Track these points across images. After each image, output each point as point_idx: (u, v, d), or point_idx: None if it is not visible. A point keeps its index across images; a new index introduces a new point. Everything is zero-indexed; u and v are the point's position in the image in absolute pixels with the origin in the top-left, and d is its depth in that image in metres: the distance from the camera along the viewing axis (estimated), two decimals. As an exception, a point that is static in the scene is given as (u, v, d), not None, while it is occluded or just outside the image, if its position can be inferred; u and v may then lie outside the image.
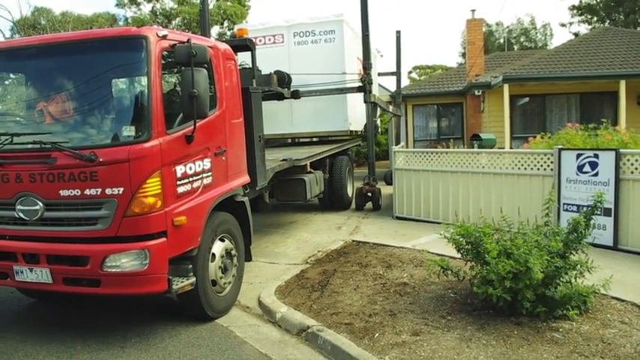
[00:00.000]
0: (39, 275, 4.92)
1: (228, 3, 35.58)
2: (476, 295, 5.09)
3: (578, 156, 7.59)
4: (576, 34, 35.92)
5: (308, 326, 5.11)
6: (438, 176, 9.67)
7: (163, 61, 4.93)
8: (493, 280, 4.78)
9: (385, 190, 12.44)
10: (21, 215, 4.93)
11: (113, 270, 4.71)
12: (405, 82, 21.23)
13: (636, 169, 7.06)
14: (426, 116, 19.89)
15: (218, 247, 5.67)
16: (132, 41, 4.87)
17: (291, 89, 11.35)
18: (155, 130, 4.72)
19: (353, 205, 12.07)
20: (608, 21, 35.90)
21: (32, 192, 4.85)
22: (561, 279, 4.96)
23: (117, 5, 36.26)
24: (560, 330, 4.66)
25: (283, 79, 10.99)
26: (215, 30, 34.52)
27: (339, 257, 7.66)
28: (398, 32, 17.93)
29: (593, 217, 5.16)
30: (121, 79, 5.42)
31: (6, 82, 5.87)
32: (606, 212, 7.13)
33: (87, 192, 4.70)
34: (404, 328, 4.91)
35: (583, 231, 4.99)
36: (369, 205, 11.76)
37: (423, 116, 19.83)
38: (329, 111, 12.15)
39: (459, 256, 5.48)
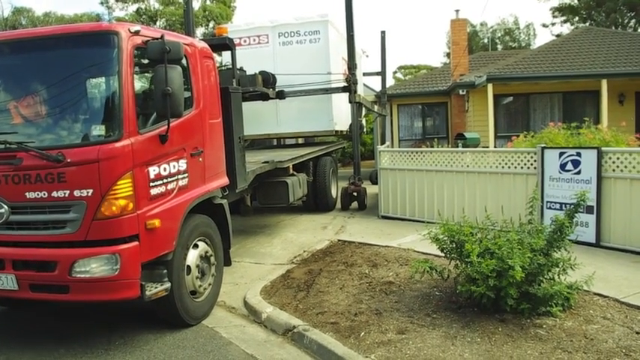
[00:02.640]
0: (4, 282, 4.69)
1: (213, 4, 35.44)
2: (461, 293, 5.12)
3: (561, 154, 7.67)
4: (558, 35, 36.34)
5: (294, 326, 5.11)
6: (423, 175, 9.71)
7: (136, 59, 4.78)
8: (477, 278, 4.81)
9: (371, 189, 12.49)
10: None
11: (82, 275, 4.51)
12: (390, 82, 21.34)
13: (617, 167, 7.15)
14: (411, 116, 19.98)
15: (195, 251, 5.49)
16: (103, 37, 4.70)
17: (277, 89, 11.35)
18: (126, 130, 4.54)
19: (338, 205, 12.09)
20: (589, 21, 36.33)
21: None
22: (544, 276, 5.01)
23: (101, 3, 35.98)
24: (544, 326, 4.70)
25: (268, 79, 10.99)
26: (200, 31, 34.38)
27: (325, 257, 7.66)
28: (383, 32, 17.99)
29: (576, 214, 5.22)
30: (91, 77, 5.14)
31: None
32: (589, 210, 7.21)
33: (54, 194, 4.51)
34: (389, 327, 4.92)
35: (567, 229, 5.03)
36: (355, 204, 11.79)
37: (408, 116, 19.92)
38: (314, 111, 12.16)
39: (443, 254, 5.51)
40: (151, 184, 4.81)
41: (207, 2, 35.83)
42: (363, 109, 14.62)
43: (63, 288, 4.59)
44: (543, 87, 15.99)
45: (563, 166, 7.62)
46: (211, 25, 35.24)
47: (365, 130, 18.55)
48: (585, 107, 16.09)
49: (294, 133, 13.09)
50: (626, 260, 6.74)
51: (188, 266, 5.35)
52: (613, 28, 30.66)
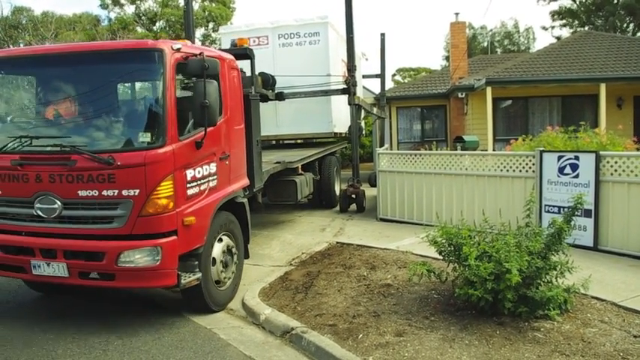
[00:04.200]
0: (55, 269, 5.20)
1: (213, 5, 35.45)
2: (459, 296, 5.13)
3: (559, 158, 7.69)
4: (558, 38, 36.42)
5: (292, 328, 5.12)
6: (422, 178, 9.73)
7: (177, 73, 5.21)
8: (475, 281, 4.83)
9: (369, 192, 12.49)
10: (39, 213, 5.20)
11: (127, 265, 5.02)
12: (389, 84, 21.33)
13: (615, 170, 7.17)
14: (410, 118, 20.01)
15: (220, 245, 5.96)
16: (149, 53, 5.17)
17: (276, 91, 11.36)
18: (169, 137, 5.03)
19: (337, 207, 12.08)
20: (588, 25, 36.42)
21: (51, 191, 5.14)
22: (542, 279, 5.02)
23: (100, 6, 36.00)
24: (542, 329, 4.71)
25: (268, 80, 10.99)
26: (199, 32, 34.38)
27: (323, 259, 7.67)
28: (382, 35, 18.07)
29: (573, 218, 5.24)
30: (138, 89, 5.81)
31: (28, 87, 6.11)
32: (586, 213, 7.24)
33: (104, 193, 5.00)
34: (387, 329, 4.93)
35: (564, 233, 5.05)
36: (354, 206, 11.80)
37: (407, 118, 19.95)
38: (313, 113, 12.18)
39: (442, 257, 5.52)
40: (188, 185, 5.33)
41: (207, 3, 35.83)
42: (362, 111, 14.63)
43: (109, 276, 5.14)
44: (542, 90, 16.03)
45: (561, 170, 7.64)
46: (211, 25, 35.27)
47: (364, 132, 18.59)
48: (584, 111, 16.14)
49: (293, 134, 13.10)
50: (623, 264, 6.76)
51: (214, 258, 5.83)
52: (612, 32, 30.71)
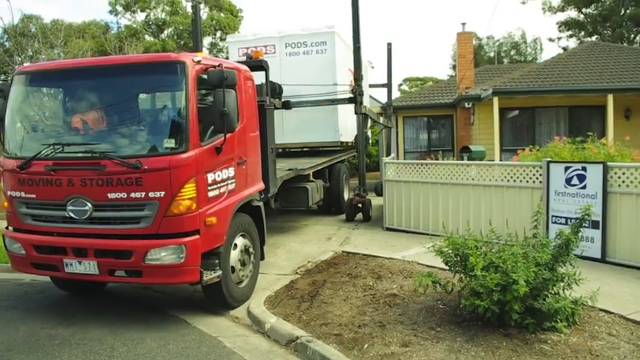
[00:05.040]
0: (87, 267, 5.58)
1: (221, 14, 35.68)
2: (465, 307, 5.10)
3: (567, 169, 7.65)
4: (565, 49, 36.39)
5: (297, 337, 5.10)
6: (428, 188, 9.71)
7: (197, 83, 5.54)
8: (481, 292, 4.80)
9: (375, 201, 12.48)
10: (71, 215, 5.58)
11: (154, 262, 5.36)
12: (395, 94, 21.32)
13: (623, 182, 7.13)
14: (417, 128, 19.98)
15: (239, 245, 6.34)
16: (172, 66, 5.55)
17: (282, 100, 11.39)
18: (191, 143, 5.40)
19: (343, 216, 12.07)
20: (595, 35, 36.40)
21: (82, 194, 5.51)
22: (549, 291, 4.98)
23: (110, 12, 36.30)
24: (549, 342, 4.68)
25: (274, 89, 11.01)
26: (207, 40, 34.60)
27: (329, 268, 7.65)
28: (389, 44, 18.13)
29: (581, 229, 5.20)
30: (162, 98, 6.14)
31: (59, 98, 6.46)
32: (594, 225, 7.19)
33: (132, 195, 5.35)
34: (393, 339, 4.91)
35: (572, 244, 5.02)
36: (360, 215, 11.78)
37: (414, 128, 19.92)
38: (320, 122, 12.20)
39: (448, 268, 5.49)
40: (209, 187, 5.69)
41: (215, 12, 36.07)
42: (369, 120, 14.66)
43: (137, 272, 5.51)
44: (549, 101, 16.00)
45: (568, 181, 7.61)
46: (218, 34, 35.50)
47: (370, 141, 18.59)
48: (591, 122, 16.08)
49: (300, 143, 13.10)
50: (631, 276, 6.70)
51: (232, 257, 6.18)
52: (619, 43, 30.67)
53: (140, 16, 36.25)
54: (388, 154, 17.85)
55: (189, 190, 5.38)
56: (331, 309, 5.86)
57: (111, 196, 5.41)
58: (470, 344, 4.71)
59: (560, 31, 39.11)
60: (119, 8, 36.11)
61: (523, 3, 37.88)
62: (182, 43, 34.00)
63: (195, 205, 5.43)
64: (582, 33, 37.66)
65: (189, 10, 33.42)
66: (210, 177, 5.71)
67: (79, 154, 5.65)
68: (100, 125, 5.91)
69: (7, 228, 6.27)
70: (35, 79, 6.31)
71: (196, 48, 12.75)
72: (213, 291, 5.98)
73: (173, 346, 5.20)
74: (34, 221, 5.90)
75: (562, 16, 38.01)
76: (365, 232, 10.44)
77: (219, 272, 5.76)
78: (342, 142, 12.83)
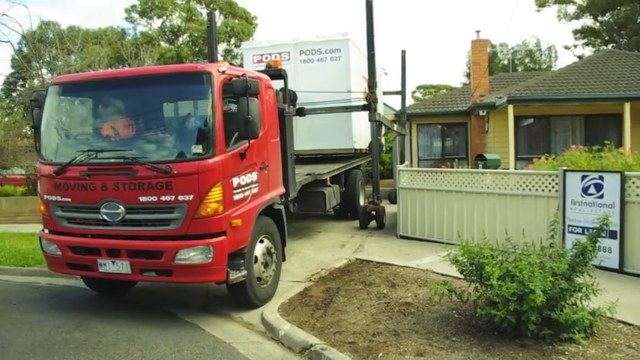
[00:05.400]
0: (120, 267, 5.85)
1: (236, 21, 35.88)
2: (480, 317, 5.05)
3: (583, 178, 7.58)
4: (580, 57, 36.10)
5: (311, 344, 5.08)
6: (443, 196, 9.66)
7: (222, 92, 5.82)
8: (497, 301, 4.76)
9: (389, 208, 12.43)
10: (105, 217, 5.87)
11: (183, 262, 5.62)
12: (409, 101, 21.26)
13: (642, 191, 7.04)
14: (431, 135, 19.92)
15: (261, 246, 6.57)
16: (199, 76, 5.86)
17: (296, 107, 11.40)
18: (218, 148, 5.68)
19: (357, 223, 12.04)
20: (611, 44, 36.08)
21: (115, 198, 5.80)
22: (566, 301, 4.93)
23: (126, 19, 36.68)
24: (567, 353, 4.61)
25: (289, 96, 11.04)
26: (221, 47, 34.80)
27: (343, 275, 7.63)
28: (403, 52, 18.07)
29: (598, 239, 5.14)
30: (190, 106, 6.47)
31: (91, 107, 6.72)
32: (612, 235, 7.10)
33: (163, 198, 5.64)
34: (408, 349, 4.87)
35: (589, 254, 4.96)
36: (373, 223, 11.75)
37: (428, 135, 19.86)
38: (334, 129, 12.20)
39: (463, 277, 5.45)
40: (234, 191, 5.95)
41: (230, 19, 36.29)
42: (383, 127, 14.63)
43: (167, 272, 5.77)
44: (565, 109, 15.87)
45: (585, 190, 7.53)
46: (233, 41, 35.68)
47: (384, 149, 18.54)
48: (608, 130, 15.90)
49: (313, 150, 13.09)
50: (650, 287, 6.60)
51: (256, 257, 6.42)
52: (635, 51, 30.38)
53: (156, 23, 36.60)
54: (402, 162, 17.80)
55: (216, 193, 5.64)
56: (345, 317, 5.84)
57: (142, 199, 5.69)
58: (486, 354, 4.66)
59: (575, 38, 38.81)
60: (135, 15, 36.50)
61: (538, 11, 37.56)
62: (197, 49, 34.25)
63: (221, 208, 5.69)
64: (598, 41, 37.34)
65: (204, 16, 33.69)
66: (236, 181, 5.97)
67: (112, 160, 5.96)
68: (131, 132, 6.22)
69: (43, 230, 6.55)
70: (68, 89, 6.65)
71: (211, 55, 12.84)
72: (238, 290, 6.20)
73: (187, 352, 5.21)
74: (69, 224, 6.20)
75: (577, 24, 37.74)
76: (379, 240, 10.40)
77: (245, 272, 5.99)
78: (355, 150, 12.81)
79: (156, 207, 5.70)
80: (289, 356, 5.11)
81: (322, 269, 8.03)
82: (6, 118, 19.75)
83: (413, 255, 8.78)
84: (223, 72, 5.91)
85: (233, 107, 5.96)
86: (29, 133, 22.24)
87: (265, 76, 7.27)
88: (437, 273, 7.28)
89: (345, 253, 9.24)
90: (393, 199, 14.30)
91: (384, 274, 7.51)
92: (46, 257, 6.55)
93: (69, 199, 6.08)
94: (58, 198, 6.15)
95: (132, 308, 6.74)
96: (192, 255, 5.62)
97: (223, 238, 5.71)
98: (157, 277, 6.03)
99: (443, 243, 8.66)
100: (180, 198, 5.60)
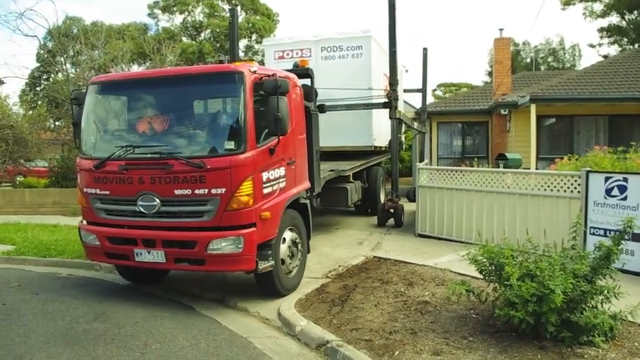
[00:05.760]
0: (155, 256, 6.14)
1: (257, 17, 35.98)
2: (499, 317, 5.00)
3: (607, 179, 7.45)
4: (605, 56, 35.47)
5: (327, 341, 5.08)
6: (462, 195, 9.59)
7: (254, 91, 6.08)
8: (516, 302, 4.70)
9: (408, 206, 12.37)
10: (141, 209, 6.15)
11: (215, 252, 5.90)
12: (429, 99, 21.12)
13: (667, 194, 6.90)
14: (451, 134, 19.77)
15: (288, 238, 6.83)
16: (231, 75, 6.16)
17: (317, 103, 11.38)
18: (249, 144, 5.94)
19: (375, 221, 12.01)
20: (638, 43, 35.38)
21: (152, 191, 6.08)
22: (587, 304, 4.85)
23: (149, 15, 37.03)
24: (586, 356, 4.54)
25: (310, 93, 11.04)
26: (242, 43, 34.93)
27: (360, 273, 7.62)
28: (425, 49, 17.93)
29: (621, 242, 5.05)
30: (222, 104, 6.70)
31: (129, 104, 7.01)
32: (635, 238, 6.96)
33: (196, 191, 5.90)
34: (425, 347, 4.85)
35: (612, 256, 4.88)
36: (391, 221, 11.71)
37: (448, 134, 19.71)
38: (354, 126, 12.16)
39: (482, 276, 5.41)
40: (264, 185, 6.21)
41: (251, 15, 36.40)
42: (403, 125, 14.55)
43: (200, 261, 6.05)
44: (588, 109, 15.62)
45: (608, 192, 7.41)
46: (254, 37, 35.81)
47: (404, 146, 18.44)
48: (632, 131, 15.59)
49: (333, 147, 13.02)
50: (673, 292, 6.46)
51: (283, 249, 6.66)
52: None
53: (178, 19, 36.88)
54: (421, 160, 17.70)
55: (247, 187, 5.89)
56: (362, 314, 5.83)
57: (177, 192, 5.96)
58: (503, 355, 4.61)
59: (600, 37, 38.18)
60: (157, 11, 36.83)
61: (563, 9, 36.97)
62: (218, 45, 34.44)
63: (252, 201, 5.95)
64: (624, 40, 36.66)
65: (226, 12, 33.83)
66: (265, 175, 6.22)
67: (149, 155, 6.24)
68: (166, 129, 6.46)
69: (81, 222, 6.87)
70: (107, 88, 7.00)
71: (232, 51, 12.88)
72: (265, 280, 6.45)
73: (204, 345, 5.25)
74: (107, 215, 6.50)
75: (603, 23, 37.10)
76: (397, 238, 10.37)
77: (272, 262, 6.22)
78: (375, 147, 12.78)
79: (190, 200, 5.96)
80: (305, 352, 5.12)
81: (339, 266, 8.03)
82: (30, 111, 20.06)
83: (431, 254, 8.73)
84: (254, 72, 6.16)
85: (263, 105, 6.16)
86: (53, 126, 22.64)
87: (293, 75, 7.52)
88: (455, 272, 7.23)
89: (362, 250, 9.23)
90: (411, 198, 14.23)
91: (402, 272, 7.48)
92: (84, 247, 6.84)
93: (107, 192, 6.37)
94: (97, 191, 6.44)
95: (150, 301, 6.82)
96: (223, 245, 5.88)
97: (253, 229, 5.95)
98: (190, 267, 6.29)
99: (461, 242, 8.62)
100: (213, 191, 5.84)
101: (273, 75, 6.27)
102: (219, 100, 6.77)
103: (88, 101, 6.78)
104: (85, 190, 6.60)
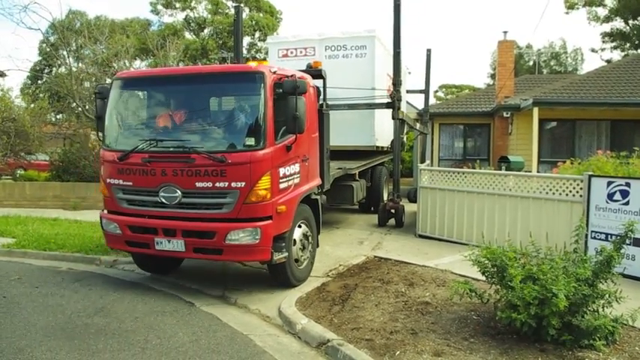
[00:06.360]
0: (175, 245, 6.42)
1: (261, 15, 35.95)
2: (500, 319, 5.00)
3: (609, 184, 7.46)
4: (608, 61, 35.51)
5: (328, 339, 5.09)
6: (464, 196, 9.59)
7: (273, 90, 6.34)
8: (518, 305, 4.71)
9: (408, 207, 12.37)
10: (162, 200, 6.42)
11: (233, 242, 6.18)
12: (431, 100, 21.12)
13: (669, 200, 6.90)
14: (453, 135, 19.76)
15: (299, 230, 7.11)
16: (252, 75, 6.44)
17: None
18: (268, 141, 6.23)
19: (376, 220, 12.02)
20: (641, 48, 35.39)
21: (173, 183, 6.34)
22: (588, 308, 4.86)
23: (152, 11, 37.01)
24: (587, 360, 4.55)
25: (325, 94, 11.02)
26: (245, 40, 34.91)
27: (361, 272, 7.63)
28: (428, 51, 17.93)
29: (623, 246, 5.06)
30: (243, 102, 6.88)
31: (153, 100, 7.37)
32: (636, 243, 6.97)
33: (217, 184, 6.17)
34: (425, 348, 4.85)
35: (613, 261, 4.88)
36: (392, 221, 11.71)
37: (450, 135, 19.71)
38: (356, 126, 12.13)
39: (483, 278, 5.41)
40: (280, 180, 6.48)
41: (255, 13, 36.38)
42: (405, 126, 14.54)
43: (218, 251, 6.32)
44: (591, 113, 15.63)
45: (610, 196, 7.41)
46: (257, 35, 35.79)
47: (405, 147, 18.43)
48: (634, 136, 15.63)
49: (335, 146, 13.03)
50: (674, 297, 6.47)
51: (294, 240, 6.94)
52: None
53: (181, 15, 36.84)
54: (422, 161, 17.68)
55: (265, 181, 6.17)
56: (363, 313, 5.83)
57: (198, 185, 6.22)
58: (504, 357, 4.62)
59: (603, 42, 38.17)
60: (160, 7, 36.78)
61: (567, 13, 36.94)
62: (222, 42, 34.41)
63: (269, 195, 6.22)
64: (627, 45, 36.65)
65: (230, 9, 33.81)
66: (282, 171, 6.51)
67: (171, 149, 6.49)
68: (188, 124, 6.78)
69: (103, 211, 7.10)
70: (131, 83, 7.25)
71: (237, 48, 12.89)
72: (277, 270, 6.74)
73: (205, 342, 5.25)
74: (129, 205, 6.73)
75: (607, 27, 37.08)
76: (397, 238, 10.37)
77: (286, 254, 6.50)
78: (377, 147, 12.76)
79: (210, 192, 6.22)
80: (306, 350, 5.12)
81: (340, 265, 8.04)
82: (32, 105, 20.04)
83: (432, 254, 8.74)
84: (274, 72, 6.46)
85: (281, 104, 6.37)
86: (54, 119, 22.62)
87: (308, 76, 7.75)
88: (456, 274, 7.23)
89: (363, 249, 9.23)
90: (412, 198, 14.24)
91: (403, 273, 7.49)
92: (105, 235, 7.08)
93: (130, 183, 6.62)
94: (120, 182, 6.68)
95: (151, 296, 6.82)
96: (241, 236, 6.15)
97: (270, 222, 6.23)
98: (208, 256, 6.56)
99: (462, 244, 8.63)
100: (233, 185, 6.11)
101: (292, 76, 6.55)
102: (240, 98, 7.02)
103: (112, 96, 7.00)
104: (108, 180, 6.82)
